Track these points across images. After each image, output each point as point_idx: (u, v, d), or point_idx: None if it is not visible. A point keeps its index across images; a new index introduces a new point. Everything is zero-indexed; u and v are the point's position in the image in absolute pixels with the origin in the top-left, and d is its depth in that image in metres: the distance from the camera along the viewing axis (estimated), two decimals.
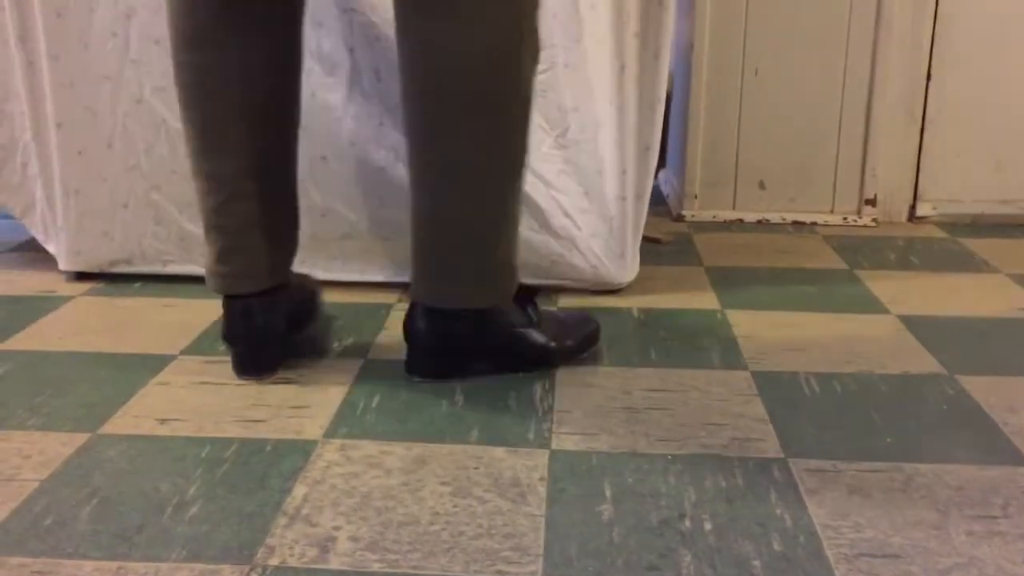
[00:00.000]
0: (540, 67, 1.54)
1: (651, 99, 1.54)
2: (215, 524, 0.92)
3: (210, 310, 1.50)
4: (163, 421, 1.13)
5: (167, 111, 1.54)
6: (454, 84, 1.10)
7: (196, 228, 1.59)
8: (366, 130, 1.51)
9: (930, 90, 1.95)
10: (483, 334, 1.24)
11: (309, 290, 1.40)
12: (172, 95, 1.52)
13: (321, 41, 1.50)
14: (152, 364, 1.29)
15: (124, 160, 1.57)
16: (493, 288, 1.22)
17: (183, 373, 1.27)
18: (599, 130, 1.55)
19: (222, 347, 1.35)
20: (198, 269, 1.62)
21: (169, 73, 1.51)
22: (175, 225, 1.60)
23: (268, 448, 1.07)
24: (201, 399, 1.19)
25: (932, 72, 1.94)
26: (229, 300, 1.23)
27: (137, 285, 1.62)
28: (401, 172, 1.52)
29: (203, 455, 1.05)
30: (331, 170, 1.54)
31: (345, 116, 1.51)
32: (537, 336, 1.26)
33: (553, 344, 1.27)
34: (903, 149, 1.99)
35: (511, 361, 1.26)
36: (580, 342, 1.30)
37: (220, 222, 1.19)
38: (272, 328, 1.24)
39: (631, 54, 1.51)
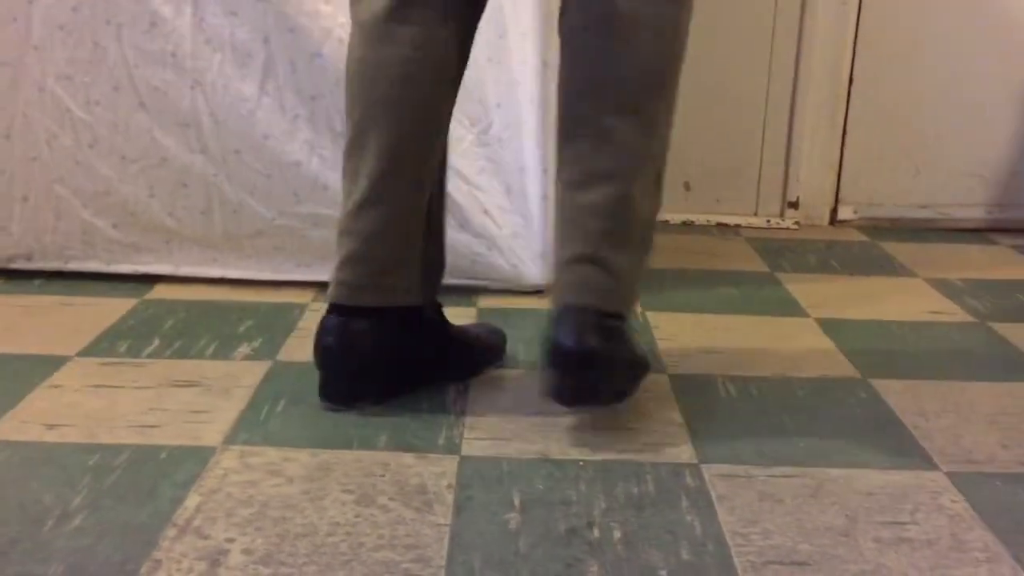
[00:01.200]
0: None
1: None
2: (98, 537, 0.87)
3: (112, 309, 1.43)
4: (51, 427, 1.07)
5: (71, 100, 1.47)
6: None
7: (101, 222, 1.53)
8: (281, 123, 1.46)
9: (852, 96, 1.97)
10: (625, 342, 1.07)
11: (472, 336, 1.25)
12: (78, 83, 1.47)
13: (235, 30, 1.44)
14: (45, 366, 1.23)
15: (24, 151, 1.50)
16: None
17: (78, 376, 1.21)
18: (522, 128, 1.52)
19: (122, 348, 1.29)
20: (102, 266, 1.55)
21: (75, 60, 1.46)
22: (78, 219, 1.53)
23: (163, 456, 1.02)
24: (95, 404, 1.13)
25: (854, 78, 1.96)
26: (334, 311, 1.10)
27: (37, 282, 1.55)
28: (316, 165, 1.47)
29: (91, 463, 1.00)
30: (244, 164, 1.49)
31: (259, 108, 1.46)
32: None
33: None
34: (825, 153, 2.00)
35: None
36: None
37: (351, 226, 1.08)
38: (382, 352, 1.11)
39: (554, 51, 1.48)
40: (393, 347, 1.11)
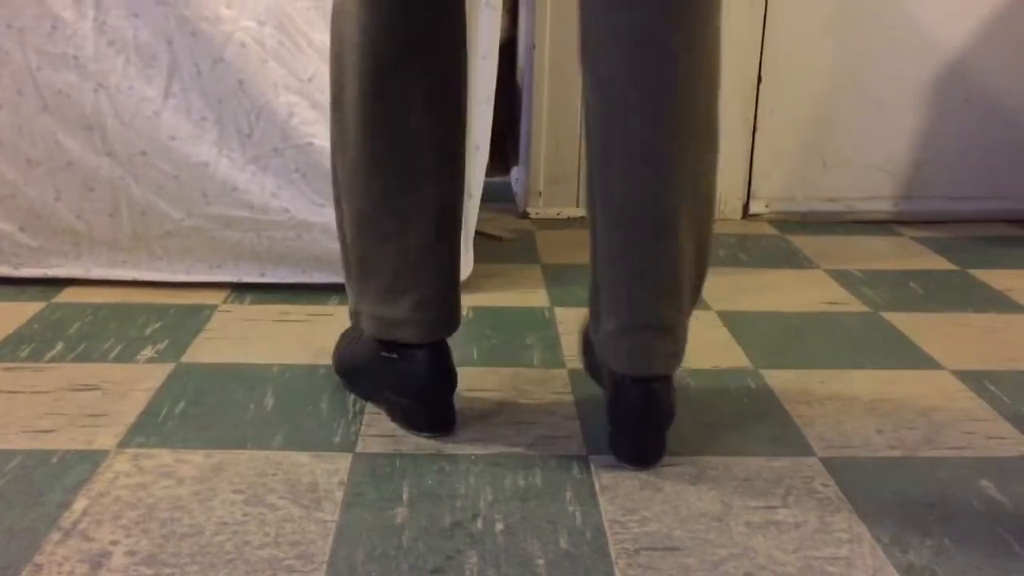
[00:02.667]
0: None
1: (479, 99, 1.54)
2: None
3: (17, 313, 1.43)
4: None
5: None
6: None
7: (8, 226, 1.52)
8: (187, 125, 1.47)
9: (760, 93, 2.02)
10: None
11: None
12: None
13: (138, 32, 1.44)
14: None
15: None
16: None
17: None
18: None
19: (23, 352, 1.29)
20: (10, 270, 1.54)
21: None
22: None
23: (54, 460, 1.02)
24: None
25: (762, 76, 2.02)
26: (411, 348, 1.09)
27: None
28: (225, 166, 1.48)
29: None
30: (151, 165, 1.48)
31: (164, 109, 1.46)
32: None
33: None
34: (737, 149, 2.05)
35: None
36: None
37: (425, 262, 1.06)
38: (455, 376, 1.13)
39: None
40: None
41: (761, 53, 2.00)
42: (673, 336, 1.02)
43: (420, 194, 1.04)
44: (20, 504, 0.94)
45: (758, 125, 2.04)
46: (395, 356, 1.10)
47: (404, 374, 1.10)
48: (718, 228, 2.03)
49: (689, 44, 0.96)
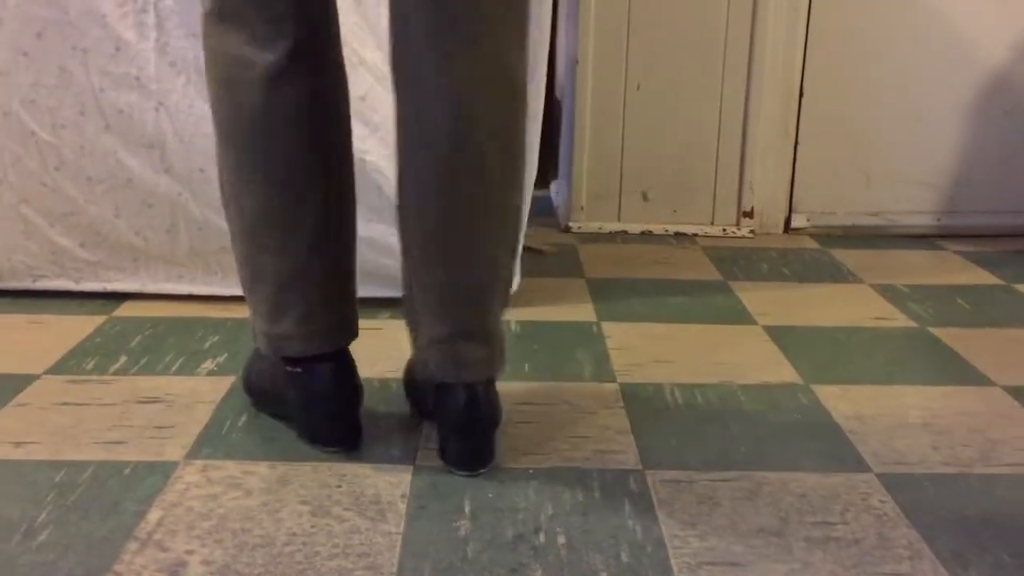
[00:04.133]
0: None
1: (528, 115, 1.56)
2: (62, 551, 0.91)
3: (80, 327, 1.47)
4: (19, 444, 1.10)
5: (36, 123, 1.50)
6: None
7: (68, 242, 1.56)
8: None
9: (803, 107, 2.03)
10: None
11: None
12: (43, 107, 1.50)
13: (198, 52, 1.47)
14: (13, 384, 1.26)
15: None
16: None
17: (45, 394, 1.24)
18: None
19: (89, 366, 1.33)
20: (71, 284, 1.58)
21: (39, 85, 1.49)
22: (46, 239, 1.56)
23: (127, 471, 1.06)
24: (61, 421, 1.17)
25: (804, 90, 2.03)
26: (312, 362, 1.09)
27: (5, 301, 1.57)
28: None
29: (57, 479, 1.03)
30: (208, 182, 1.52)
31: None
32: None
33: None
34: (779, 163, 2.06)
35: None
36: None
37: (306, 273, 1.06)
38: (361, 388, 1.13)
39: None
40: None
41: (803, 67, 2.01)
42: (486, 342, 1.05)
43: (297, 208, 1.04)
44: (96, 513, 0.97)
45: (800, 139, 2.05)
46: (299, 371, 1.10)
47: (306, 388, 1.10)
48: (760, 242, 2.05)
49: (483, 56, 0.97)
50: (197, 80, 1.49)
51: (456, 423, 1.06)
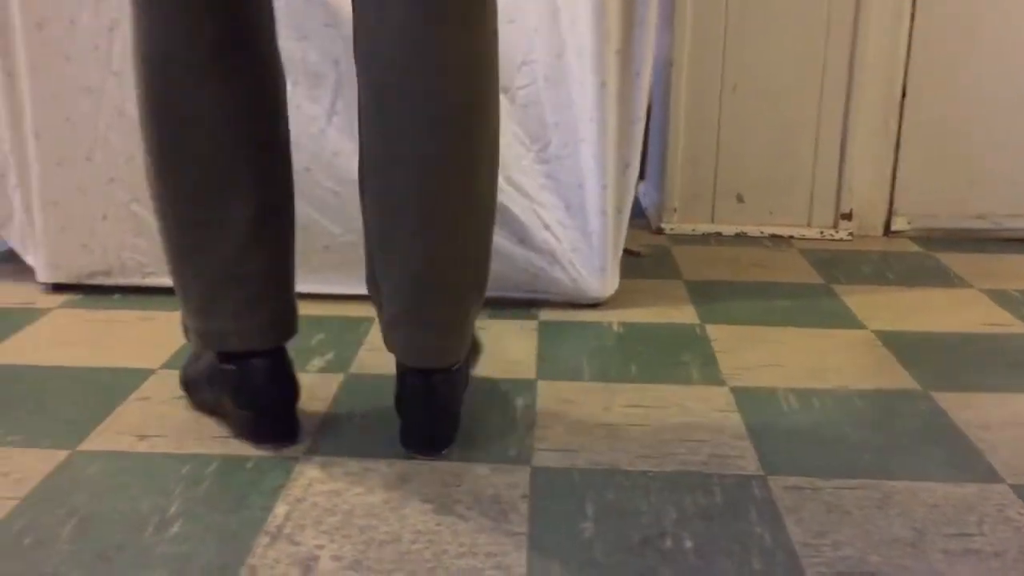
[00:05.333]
0: (522, 82, 1.56)
1: (631, 117, 1.55)
2: (196, 543, 0.92)
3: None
4: (143, 437, 1.13)
5: None
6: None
7: None
8: (350, 142, 1.51)
9: (905, 106, 1.98)
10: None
11: None
12: None
13: (306, 54, 1.50)
14: (131, 379, 1.29)
15: (104, 172, 1.57)
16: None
17: (162, 388, 1.26)
18: (580, 145, 1.56)
19: None
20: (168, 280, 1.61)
21: None
22: (155, 237, 1.59)
23: (249, 465, 1.07)
24: (181, 415, 1.19)
25: (907, 89, 1.97)
26: (246, 359, 1.08)
27: (115, 297, 1.61)
28: None
29: (183, 472, 1.05)
30: (314, 182, 1.54)
31: (329, 127, 1.52)
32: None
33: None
34: (879, 164, 2.01)
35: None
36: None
37: (239, 271, 1.05)
38: (297, 385, 1.12)
39: (612, 71, 1.52)
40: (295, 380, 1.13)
41: (906, 67, 1.96)
42: (445, 332, 1.05)
43: (224, 207, 1.02)
44: (225, 507, 0.98)
45: (901, 140, 2.00)
46: (233, 367, 1.08)
47: (241, 385, 1.08)
48: (859, 244, 2.00)
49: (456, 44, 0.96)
50: (304, 81, 1.51)
51: (411, 408, 1.07)
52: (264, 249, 1.06)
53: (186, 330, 1.13)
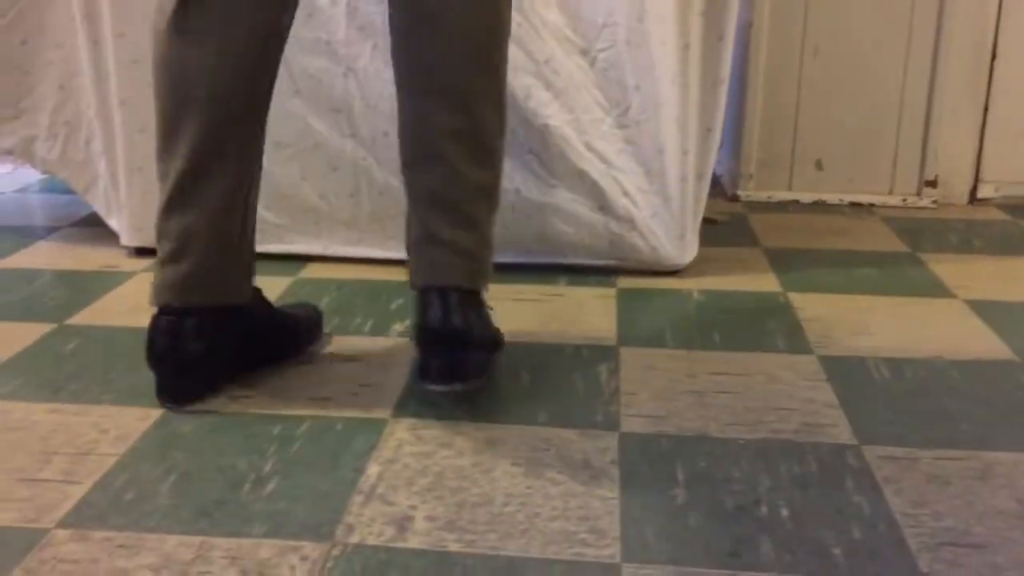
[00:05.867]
0: (602, 45, 1.54)
1: (714, 79, 1.52)
2: (292, 501, 0.93)
3: (272, 287, 1.50)
4: (234, 398, 1.14)
5: None
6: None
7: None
8: None
9: (995, 69, 1.91)
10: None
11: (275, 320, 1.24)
12: None
13: (386, 16, 1.48)
14: None
15: None
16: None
17: None
18: (660, 109, 1.53)
19: None
20: (256, 246, 1.63)
21: None
22: None
23: (339, 427, 1.08)
24: (268, 377, 1.20)
25: (997, 51, 1.90)
26: (163, 312, 1.09)
27: None
28: None
29: (275, 432, 1.06)
30: (392, 147, 1.53)
31: None
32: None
33: None
34: (966, 130, 1.95)
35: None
36: None
37: (163, 226, 1.08)
38: (212, 350, 1.11)
39: (696, 34, 1.49)
40: (220, 345, 1.11)
41: (997, 26, 1.88)
42: (455, 249, 1.08)
43: (210, 175, 1.07)
44: (318, 467, 0.99)
45: (990, 104, 1.93)
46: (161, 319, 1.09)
47: (148, 338, 1.09)
48: (944, 212, 1.94)
49: None
50: (383, 45, 1.50)
51: (427, 331, 1.07)
52: (189, 207, 1.07)
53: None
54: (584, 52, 1.53)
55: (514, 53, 1.49)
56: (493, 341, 1.15)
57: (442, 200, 1.09)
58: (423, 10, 1.06)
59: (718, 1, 1.48)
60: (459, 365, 1.08)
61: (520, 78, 1.49)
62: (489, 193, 1.13)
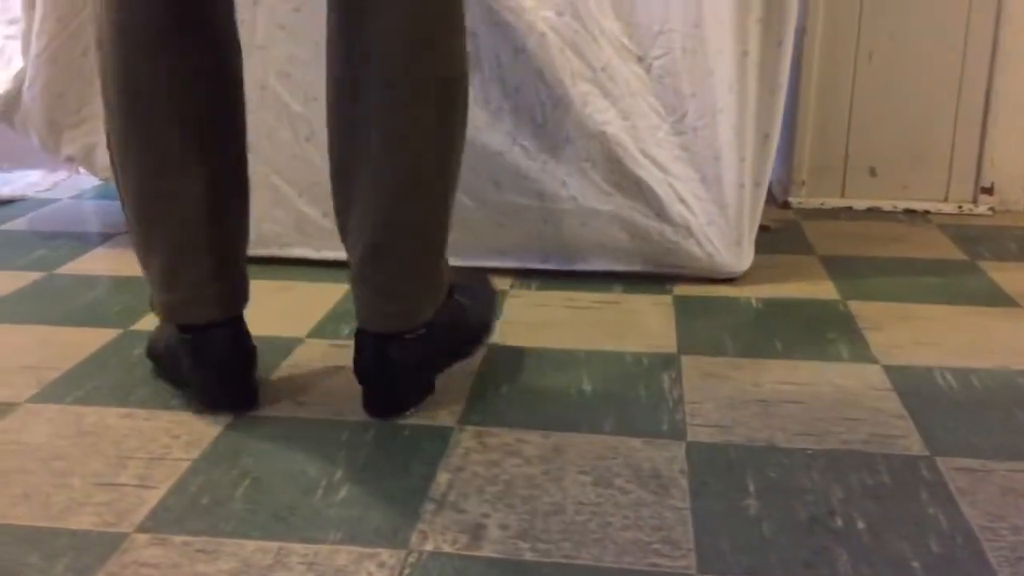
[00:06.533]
0: (658, 52, 1.54)
1: (772, 86, 1.51)
2: (365, 507, 0.94)
3: (328, 293, 1.52)
4: (300, 404, 1.15)
5: (290, 96, 1.56)
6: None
7: (312, 211, 1.62)
8: (484, 114, 1.52)
9: None
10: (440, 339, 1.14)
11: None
12: (297, 80, 1.56)
13: None
14: (283, 346, 1.32)
15: None
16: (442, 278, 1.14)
17: (313, 356, 1.29)
18: (717, 116, 1.52)
19: (345, 331, 1.37)
20: (312, 252, 1.65)
21: (295, 59, 1.54)
22: (293, 209, 1.63)
23: (406, 433, 1.08)
24: (333, 382, 1.21)
25: None
26: (205, 329, 1.10)
27: (254, 268, 1.64)
28: (518, 156, 1.52)
29: (343, 439, 1.07)
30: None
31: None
32: (472, 315, 1.21)
33: (488, 318, 1.25)
34: (1022, 136, 1.92)
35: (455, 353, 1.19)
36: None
37: (194, 244, 1.06)
38: (253, 353, 1.14)
39: (754, 40, 1.48)
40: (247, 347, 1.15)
41: None
42: (395, 299, 1.07)
43: (180, 181, 1.03)
44: (389, 474, 1.00)
45: None
46: (190, 337, 1.09)
47: (198, 353, 1.10)
48: (1001, 220, 1.91)
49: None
50: None
51: (363, 370, 1.11)
52: (217, 223, 1.07)
53: (151, 301, 1.14)
54: (640, 59, 1.53)
55: (572, 60, 1.50)
56: (456, 341, 1.18)
57: (373, 241, 1.06)
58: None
59: (776, 6, 1.48)
60: (394, 401, 1.12)
61: (578, 85, 1.49)
62: (430, 231, 1.09)
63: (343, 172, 1.08)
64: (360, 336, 1.10)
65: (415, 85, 1.03)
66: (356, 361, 1.11)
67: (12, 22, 1.74)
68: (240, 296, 1.13)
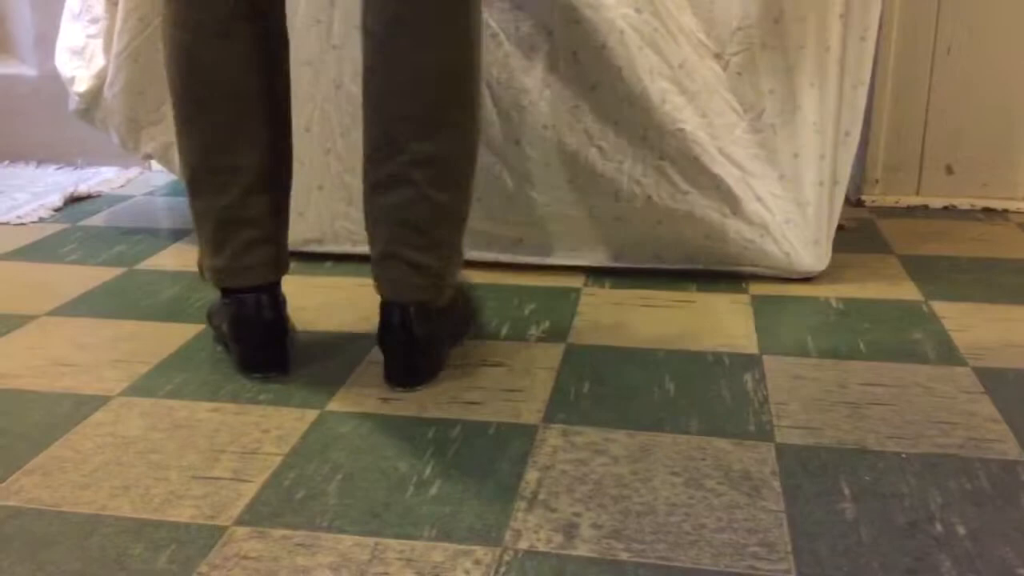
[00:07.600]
0: (735, 49, 1.52)
1: (854, 82, 1.49)
2: (457, 505, 0.94)
3: None
4: (385, 400, 1.16)
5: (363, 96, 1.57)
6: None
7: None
8: (560, 113, 1.51)
9: None
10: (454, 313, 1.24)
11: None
12: None
13: (519, 24, 1.50)
14: (362, 343, 1.32)
15: (321, 143, 1.62)
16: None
17: None
18: (796, 113, 1.50)
19: None
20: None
21: None
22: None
23: (491, 431, 1.08)
24: None
25: None
26: (241, 293, 1.19)
27: (328, 264, 1.67)
28: (594, 155, 1.52)
29: (430, 436, 1.08)
30: (523, 154, 1.54)
31: (540, 100, 1.51)
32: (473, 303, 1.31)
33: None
34: None
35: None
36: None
37: (243, 214, 1.16)
38: (286, 319, 1.23)
39: (836, 35, 1.46)
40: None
41: None
42: (418, 270, 1.13)
43: (238, 152, 1.14)
44: (479, 471, 1.00)
45: None
46: (228, 301, 1.19)
47: (234, 317, 1.19)
48: None
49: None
50: (516, 52, 1.51)
51: (388, 340, 1.17)
52: (265, 195, 1.18)
53: (200, 267, 1.23)
54: (717, 56, 1.51)
55: (650, 57, 1.48)
56: (459, 326, 1.26)
57: (405, 222, 1.13)
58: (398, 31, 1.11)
59: (859, 2, 1.45)
60: (417, 369, 1.19)
61: (656, 82, 1.47)
62: (454, 214, 1.16)
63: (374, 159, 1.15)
64: (387, 308, 1.16)
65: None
66: (382, 332, 1.17)
67: (94, 21, 1.77)
68: (277, 265, 1.21)
